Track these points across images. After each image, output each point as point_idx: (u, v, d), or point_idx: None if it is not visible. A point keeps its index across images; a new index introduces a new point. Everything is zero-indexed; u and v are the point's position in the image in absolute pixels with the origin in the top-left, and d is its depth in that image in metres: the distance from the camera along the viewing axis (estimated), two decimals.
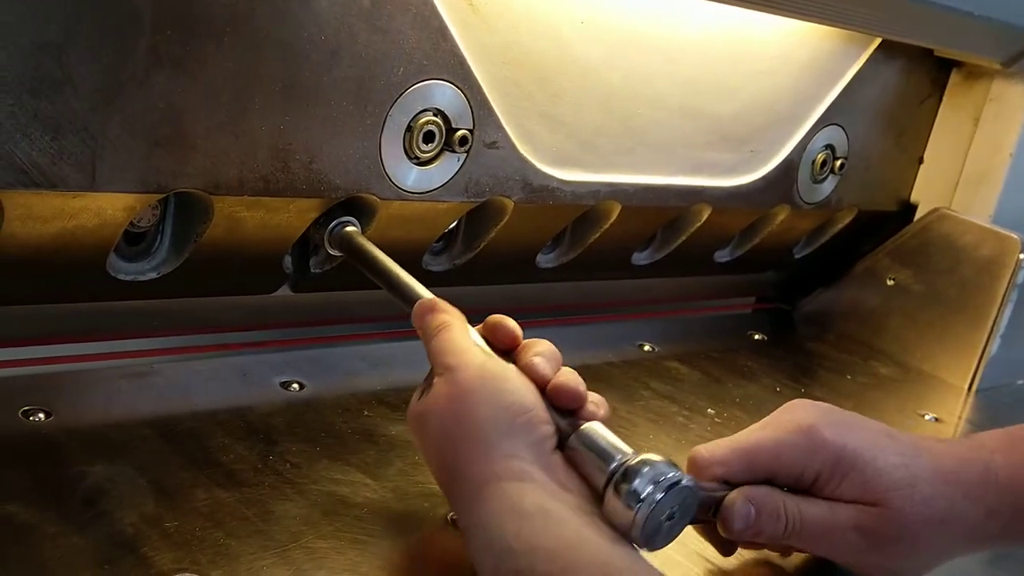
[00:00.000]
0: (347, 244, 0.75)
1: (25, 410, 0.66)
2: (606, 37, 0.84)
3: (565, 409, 0.59)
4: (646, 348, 1.03)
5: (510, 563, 0.51)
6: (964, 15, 0.93)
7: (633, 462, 0.55)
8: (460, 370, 0.59)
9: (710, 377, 0.99)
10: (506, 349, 0.63)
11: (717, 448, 0.64)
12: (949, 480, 0.64)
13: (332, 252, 0.77)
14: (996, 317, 1.09)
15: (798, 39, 0.99)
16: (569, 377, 0.60)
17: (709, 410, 0.91)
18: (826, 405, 0.67)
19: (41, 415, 0.66)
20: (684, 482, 0.55)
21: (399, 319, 0.93)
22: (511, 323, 0.64)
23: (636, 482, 0.54)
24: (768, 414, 0.66)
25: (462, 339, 0.62)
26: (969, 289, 1.11)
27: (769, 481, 0.63)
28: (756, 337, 1.15)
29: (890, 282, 1.18)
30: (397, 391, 0.80)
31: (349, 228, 0.76)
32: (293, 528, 0.60)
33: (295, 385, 0.78)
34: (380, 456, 0.71)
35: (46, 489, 0.59)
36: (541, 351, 0.61)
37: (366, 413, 0.77)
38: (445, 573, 0.61)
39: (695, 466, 0.64)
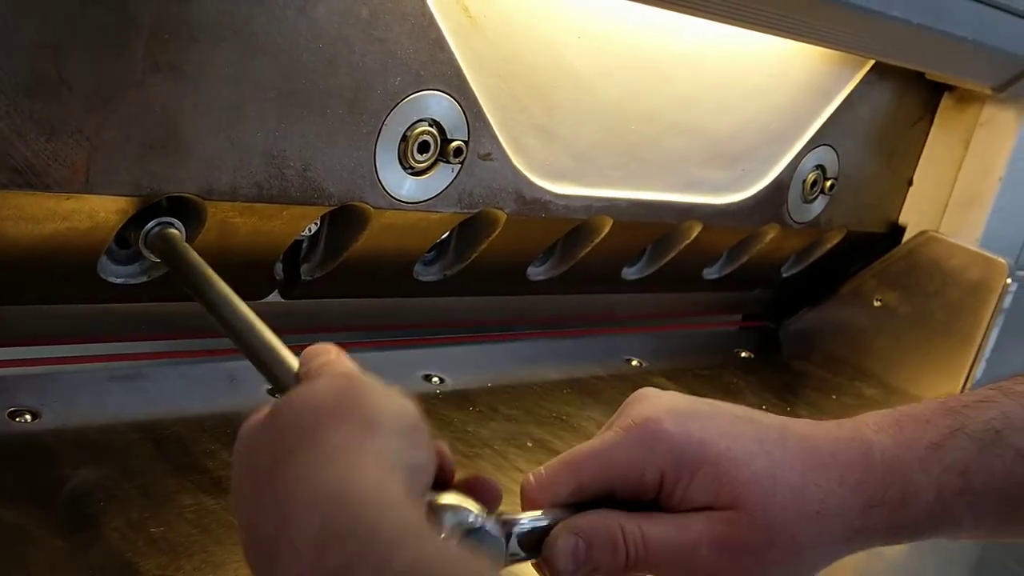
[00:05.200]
0: (166, 250, 0.66)
1: (12, 411, 0.66)
2: (603, 53, 0.84)
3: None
4: (634, 363, 1.03)
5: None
6: (957, 40, 0.93)
7: (437, 502, 0.46)
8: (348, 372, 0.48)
9: (696, 394, 0.99)
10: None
11: (546, 470, 0.52)
12: (822, 464, 0.52)
13: (148, 256, 0.67)
14: (982, 340, 1.09)
15: (793, 60, 0.99)
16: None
17: None
18: (672, 393, 0.55)
19: (28, 416, 0.66)
20: (480, 525, 0.46)
21: (387, 328, 0.94)
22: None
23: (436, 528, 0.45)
24: None
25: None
26: (955, 312, 1.11)
27: (609, 497, 0.52)
28: (742, 355, 1.16)
29: (877, 303, 1.18)
30: None
31: (170, 231, 0.67)
32: None
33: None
34: None
35: (32, 491, 0.59)
36: None
37: None
38: None
39: (525, 498, 0.52)
